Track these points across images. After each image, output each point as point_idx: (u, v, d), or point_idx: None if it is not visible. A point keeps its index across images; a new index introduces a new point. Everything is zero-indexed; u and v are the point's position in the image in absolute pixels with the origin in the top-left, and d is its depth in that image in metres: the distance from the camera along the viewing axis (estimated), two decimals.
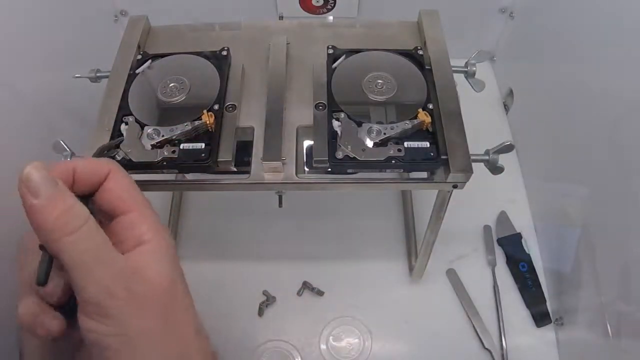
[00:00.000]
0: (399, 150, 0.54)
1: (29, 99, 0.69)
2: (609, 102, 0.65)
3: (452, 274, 0.84)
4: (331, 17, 0.95)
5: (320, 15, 0.97)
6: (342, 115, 0.56)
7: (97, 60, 0.64)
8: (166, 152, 0.54)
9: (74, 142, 0.57)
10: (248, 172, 0.55)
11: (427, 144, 0.55)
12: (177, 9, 0.95)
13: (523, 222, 0.89)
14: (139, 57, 0.61)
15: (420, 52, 0.61)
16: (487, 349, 0.77)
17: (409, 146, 0.54)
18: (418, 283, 0.81)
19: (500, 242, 0.87)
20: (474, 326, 0.79)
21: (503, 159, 0.56)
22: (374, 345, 0.77)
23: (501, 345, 0.77)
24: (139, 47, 0.63)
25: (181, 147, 0.54)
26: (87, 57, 0.65)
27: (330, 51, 0.61)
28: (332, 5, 0.95)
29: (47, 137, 0.69)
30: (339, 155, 0.54)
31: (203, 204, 0.91)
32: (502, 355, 0.76)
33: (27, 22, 0.69)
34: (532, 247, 0.86)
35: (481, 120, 0.95)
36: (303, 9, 0.96)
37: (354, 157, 0.54)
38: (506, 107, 1.01)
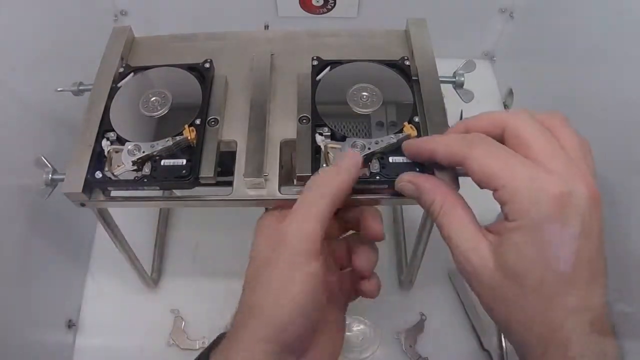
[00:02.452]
0: (384, 166, 0.53)
1: (29, 98, 0.69)
2: (609, 102, 0.64)
3: (454, 274, 0.83)
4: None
5: (320, 15, 0.96)
6: (326, 129, 0.55)
7: (97, 60, 0.63)
8: (147, 168, 0.53)
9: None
10: (232, 185, 0.55)
11: None
12: (177, 8, 0.95)
13: None
14: (122, 69, 0.61)
15: (407, 63, 0.60)
16: (486, 350, 0.76)
17: (393, 161, 0.53)
18: (418, 283, 0.80)
19: None
20: (473, 326, 0.78)
21: None
22: None
23: (500, 345, 0.76)
24: (122, 58, 0.62)
25: (162, 163, 0.54)
26: (87, 57, 0.64)
27: (315, 62, 0.60)
28: (332, 5, 0.94)
29: (47, 138, 0.70)
30: None
31: (190, 216, 0.90)
32: (502, 355, 0.76)
33: (26, 22, 0.69)
34: None
35: None
36: (303, 9, 0.95)
37: None
38: (506, 107, 0.99)
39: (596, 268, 0.40)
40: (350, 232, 0.56)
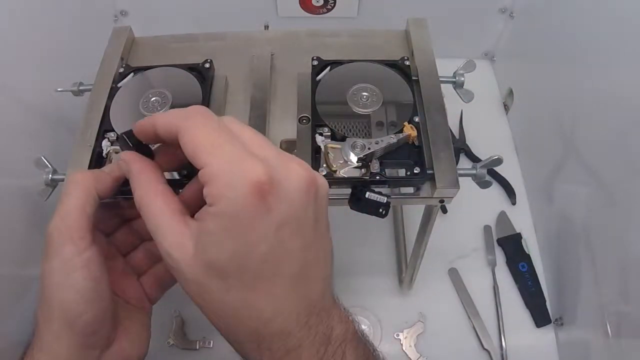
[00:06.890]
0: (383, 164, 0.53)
1: (29, 98, 0.69)
2: (609, 102, 0.65)
3: (454, 274, 0.83)
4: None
5: (320, 15, 0.96)
6: (326, 129, 0.55)
7: (97, 60, 0.63)
8: None
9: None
10: None
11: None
12: (177, 8, 0.95)
13: (523, 222, 0.88)
14: (122, 69, 0.61)
15: (407, 63, 0.60)
16: (486, 349, 0.77)
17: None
18: (418, 283, 0.80)
19: (500, 242, 0.86)
20: (473, 326, 0.78)
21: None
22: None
23: (501, 345, 0.77)
24: (122, 59, 0.62)
25: None
26: (87, 57, 0.64)
27: (315, 62, 0.60)
28: (332, 5, 0.94)
29: (47, 138, 0.70)
30: (323, 171, 0.53)
31: None
32: (502, 355, 0.76)
33: (25, 22, 0.69)
34: (532, 247, 0.86)
35: (481, 120, 0.95)
36: (303, 9, 0.96)
37: None
38: (506, 107, 1.00)
39: (307, 258, 0.39)
40: None
